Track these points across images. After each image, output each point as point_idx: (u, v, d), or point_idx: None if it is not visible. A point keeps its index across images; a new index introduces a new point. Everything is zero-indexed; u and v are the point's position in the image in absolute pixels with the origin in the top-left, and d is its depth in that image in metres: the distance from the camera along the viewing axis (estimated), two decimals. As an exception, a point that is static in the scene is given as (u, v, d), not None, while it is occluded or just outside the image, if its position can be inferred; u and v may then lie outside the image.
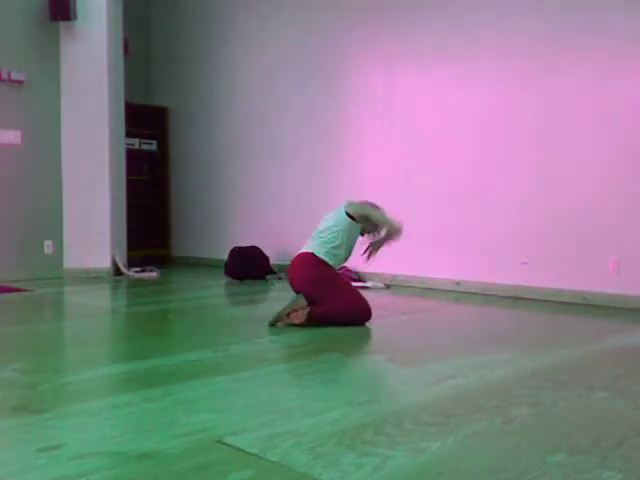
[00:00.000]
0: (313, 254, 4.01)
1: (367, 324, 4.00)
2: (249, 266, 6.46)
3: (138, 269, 6.75)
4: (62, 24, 6.41)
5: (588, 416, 2.38)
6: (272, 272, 6.55)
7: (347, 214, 4.05)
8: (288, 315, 3.90)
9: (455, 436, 2.12)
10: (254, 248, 6.66)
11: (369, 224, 4.09)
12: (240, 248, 6.63)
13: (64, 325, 4.50)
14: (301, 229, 6.60)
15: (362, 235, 4.17)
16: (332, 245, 4.03)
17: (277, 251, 6.82)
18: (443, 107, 5.64)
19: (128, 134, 7.07)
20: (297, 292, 4.00)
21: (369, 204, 4.15)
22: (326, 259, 4.00)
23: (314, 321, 3.86)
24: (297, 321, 3.86)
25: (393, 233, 4.02)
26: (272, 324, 3.93)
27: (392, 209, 5.81)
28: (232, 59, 7.42)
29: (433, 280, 5.72)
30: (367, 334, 3.80)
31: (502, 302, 5.07)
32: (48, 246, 6.49)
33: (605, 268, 4.80)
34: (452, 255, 5.62)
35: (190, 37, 7.87)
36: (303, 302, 3.90)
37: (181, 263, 7.94)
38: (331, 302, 3.91)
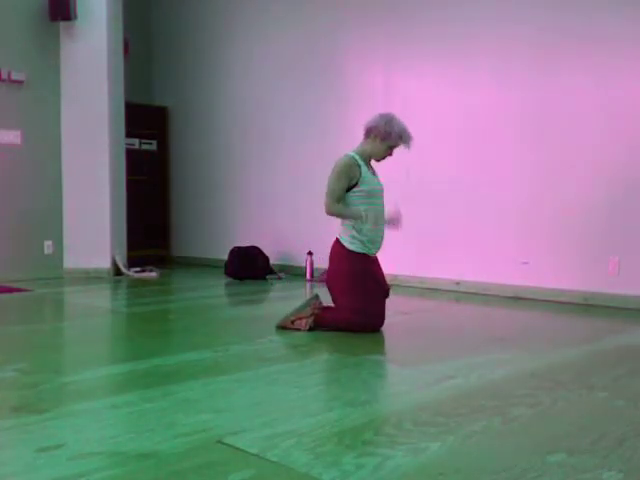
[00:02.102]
0: (339, 242, 3.90)
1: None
2: (249, 266, 6.46)
3: (138, 269, 6.75)
4: (62, 24, 6.42)
5: (588, 416, 2.38)
6: (272, 272, 6.55)
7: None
8: (292, 322, 3.87)
9: (455, 436, 2.12)
10: (254, 248, 6.66)
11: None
12: (240, 248, 6.63)
13: (64, 325, 4.50)
14: (301, 229, 6.63)
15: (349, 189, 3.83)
16: (349, 226, 3.85)
17: (277, 251, 6.83)
18: (443, 107, 5.64)
19: (128, 134, 7.07)
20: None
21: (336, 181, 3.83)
22: (352, 247, 3.83)
23: (319, 328, 3.86)
24: (302, 328, 3.84)
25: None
26: (278, 328, 3.91)
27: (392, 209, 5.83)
28: (232, 59, 7.42)
29: (433, 280, 5.72)
30: (367, 334, 3.79)
31: (502, 302, 5.07)
32: (48, 246, 6.49)
33: (605, 268, 4.80)
34: (452, 255, 5.62)
35: (190, 37, 7.87)
36: (308, 310, 3.86)
37: (181, 263, 7.94)
38: (340, 311, 3.85)
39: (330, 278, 3.96)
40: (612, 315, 4.53)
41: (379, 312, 3.90)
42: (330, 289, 3.95)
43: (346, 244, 3.86)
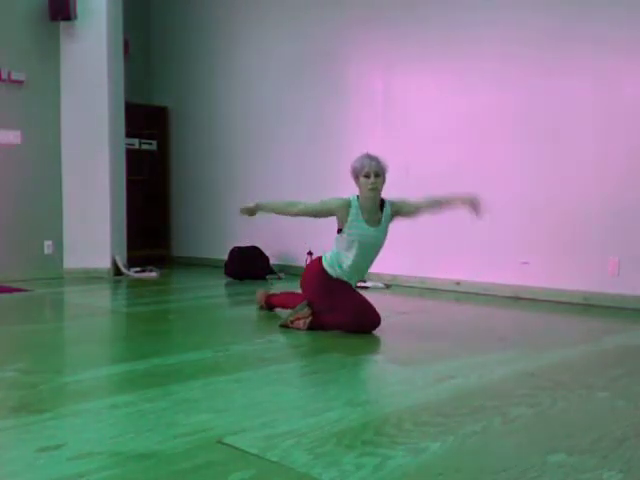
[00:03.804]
0: (320, 259, 3.94)
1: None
2: (249, 266, 6.46)
3: (138, 269, 6.75)
4: (62, 24, 6.41)
5: (588, 416, 2.38)
6: (272, 272, 6.55)
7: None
8: (292, 322, 3.90)
9: (455, 436, 2.12)
10: (254, 248, 6.66)
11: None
12: (240, 248, 6.64)
13: (64, 325, 4.50)
14: (301, 230, 6.62)
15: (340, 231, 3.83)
16: (338, 252, 3.87)
17: (277, 251, 6.83)
18: (443, 108, 5.64)
19: (128, 134, 7.07)
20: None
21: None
22: (325, 264, 3.87)
23: (318, 328, 3.86)
24: (300, 328, 3.85)
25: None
26: (281, 327, 3.95)
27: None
28: (232, 59, 7.42)
29: (433, 280, 5.71)
30: (367, 334, 3.80)
31: (502, 302, 5.07)
32: (48, 246, 6.49)
33: (605, 268, 4.80)
34: (452, 255, 5.62)
35: (190, 37, 7.87)
36: (307, 311, 3.87)
37: (181, 263, 7.94)
38: (334, 315, 3.85)
39: (302, 289, 4.04)
40: (612, 315, 4.53)
41: (372, 310, 3.89)
42: (315, 304, 3.94)
43: (324, 260, 3.90)
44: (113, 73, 6.57)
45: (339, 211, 3.79)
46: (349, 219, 3.76)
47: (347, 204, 3.78)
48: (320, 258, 3.97)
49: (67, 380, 2.89)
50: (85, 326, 4.24)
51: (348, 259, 3.82)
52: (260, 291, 4.66)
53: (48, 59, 6.43)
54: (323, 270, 3.89)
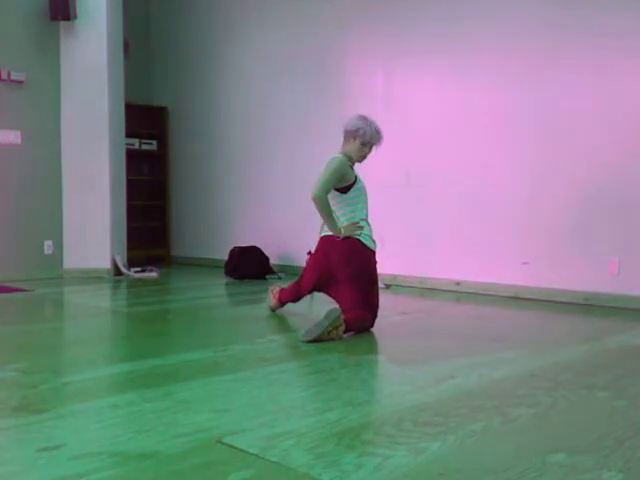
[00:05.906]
0: (354, 239, 3.91)
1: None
2: (249, 266, 6.47)
3: (138, 269, 6.75)
4: (62, 24, 6.42)
5: (588, 416, 2.38)
6: (272, 272, 6.55)
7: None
8: (329, 333, 3.57)
9: (455, 436, 2.12)
10: (254, 248, 6.66)
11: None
12: (240, 248, 6.64)
13: (64, 325, 4.50)
14: (301, 229, 6.62)
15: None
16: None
17: (277, 251, 6.82)
18: (443, 107, 5.64)
19: (128, 134, 7.07)
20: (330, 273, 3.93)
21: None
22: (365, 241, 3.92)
23: (350, 332, 3.73)
24: (336, 338, 3.59)
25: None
26: (310, 341, 3.55)
27: (393, 209, 5.85)
28: (232, 59, 7.42)
29: (433, 280, 5.71)
30: (367, 334, 3.80)
31: (502, 302, 5.07)
32: (48, 246, 6.49)
33: (605, 268, 4.80)
34: (452, 255, 5.62)
35: (190, 37, 7.87)
36: (340, 319, 3.61)
37: (181, 263, 7.94)
38: (354, 310, 3.76)
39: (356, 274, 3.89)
40: (612, 315, 4.53)
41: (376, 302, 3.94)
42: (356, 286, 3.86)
43: (364, 240, 3.89)
44: (113, 73, 6.57)
45: (347, 171, 3.94)
46: (355, 173, 3.98)
47: (347, 163, 3.97)
48: (350, 239, 3.87)
49: (67, 380, 2.89)
50: (85, 326, 4.24)
51: (361, 212, 3.94)
52: (272, 290, 4.45)
53: (48, 59, 6.43)
54: (363, 244, 3.88)
